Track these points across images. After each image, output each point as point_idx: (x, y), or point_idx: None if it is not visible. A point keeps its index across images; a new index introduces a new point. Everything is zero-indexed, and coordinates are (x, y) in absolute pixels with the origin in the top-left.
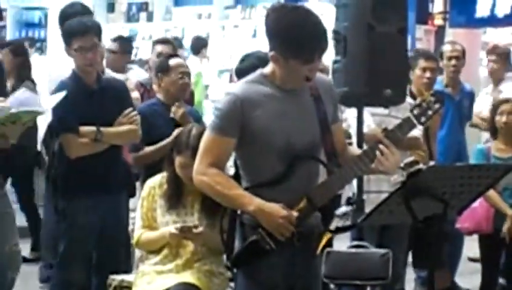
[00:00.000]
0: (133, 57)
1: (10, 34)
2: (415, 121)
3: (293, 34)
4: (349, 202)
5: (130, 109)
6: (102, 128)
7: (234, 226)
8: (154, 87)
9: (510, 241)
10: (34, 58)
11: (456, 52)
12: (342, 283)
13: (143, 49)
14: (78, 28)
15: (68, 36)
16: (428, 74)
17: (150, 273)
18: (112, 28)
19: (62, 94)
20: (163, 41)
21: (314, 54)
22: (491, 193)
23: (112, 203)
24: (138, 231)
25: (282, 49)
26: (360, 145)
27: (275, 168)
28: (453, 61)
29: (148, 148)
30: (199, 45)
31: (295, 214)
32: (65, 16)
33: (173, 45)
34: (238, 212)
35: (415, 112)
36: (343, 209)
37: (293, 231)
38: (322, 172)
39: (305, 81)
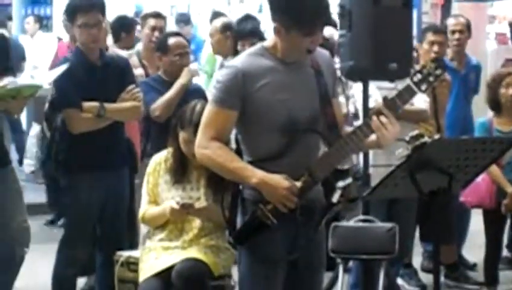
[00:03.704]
0: (137, 34)
1: (16, 12)
2: (415, 89)
3: (294, 5)
4: (355, 176)
5: (133, 85)
6: (105, 104)
7: (236, 202)
8: (145, 62)
9: None
10: (40, 35)
11: (459, 25)
12: (348, 257)
13: None
14: (83, 4)
15: (72, 12)
16: (436, 48)
17: (156, 249)
18: (117, 4)
19: (63, 67)
20: (156, 15)
21: (315, 25)
22: (493, 168)
23: (114, 179)
24: (144, 207)
25: (284, 20)
26: None
27: (276, 142)
28: (456, 35)
29: (163, 96)
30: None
31: (298, 185)
32: None
33: (165, 19)
34: (240, 187)
35: (415, 79)
36: (344, 181)
37: (297, 202)
38: (322, 145)
39: (306, 54)
